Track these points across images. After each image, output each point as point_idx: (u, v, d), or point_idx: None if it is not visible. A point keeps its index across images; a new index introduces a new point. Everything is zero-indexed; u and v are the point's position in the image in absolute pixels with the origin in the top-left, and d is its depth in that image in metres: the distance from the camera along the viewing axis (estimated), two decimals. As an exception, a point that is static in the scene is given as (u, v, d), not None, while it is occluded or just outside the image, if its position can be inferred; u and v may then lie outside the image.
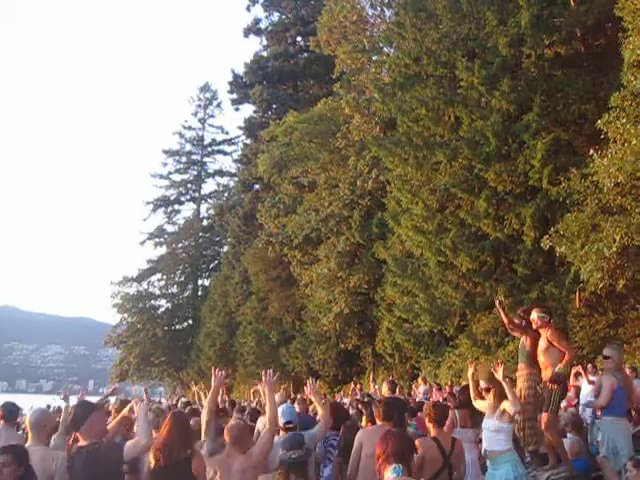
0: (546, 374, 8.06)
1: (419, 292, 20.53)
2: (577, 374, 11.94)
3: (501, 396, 6.89)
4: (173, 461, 5.19)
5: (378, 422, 6.55)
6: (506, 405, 6.76)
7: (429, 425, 6.50)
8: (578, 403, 11.26)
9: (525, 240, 16.35)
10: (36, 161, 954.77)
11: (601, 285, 13.55)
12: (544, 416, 7.91)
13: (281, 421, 6.45)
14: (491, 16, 17.41)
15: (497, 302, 8.93)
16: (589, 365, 13.66)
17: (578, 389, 11.56)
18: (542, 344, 8.06)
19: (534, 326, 8.25)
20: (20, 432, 8.47)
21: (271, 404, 5.97)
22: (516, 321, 8.60)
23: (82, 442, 5.07)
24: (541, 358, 8.09)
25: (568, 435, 9.04)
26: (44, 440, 5.94)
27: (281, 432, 6.51)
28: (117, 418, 6.97)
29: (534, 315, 8.23)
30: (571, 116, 16.72)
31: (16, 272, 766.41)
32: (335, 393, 32.87)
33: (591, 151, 13.51)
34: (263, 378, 6.10)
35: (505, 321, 8.62)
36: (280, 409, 6.59)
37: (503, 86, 16.79)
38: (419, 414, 10.20)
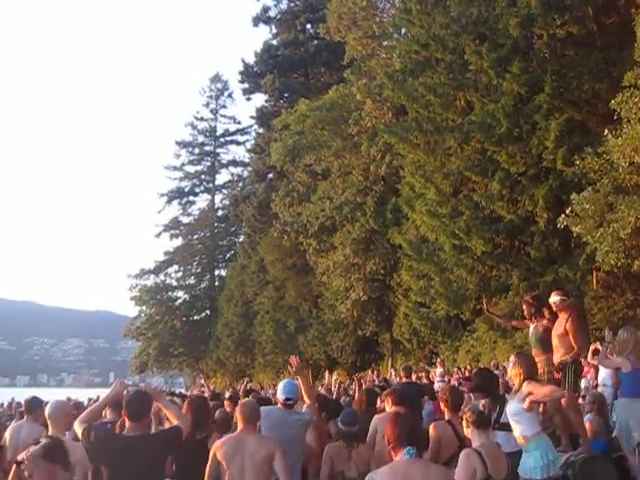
0: (556, 357, 8.00)
1: (435, 276, 20.54)
2: (595, 352, 11.83)
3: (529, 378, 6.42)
4: (189, 441, 5.49)
5: (392, 407, 6.59)
6: (528, 388, 6.26)
7: (444, 409, 6.50)
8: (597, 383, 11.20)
9: (539, 222, 16.27)
10: (49, 157, 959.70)
11: (619, 264, 13.47)
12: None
13: (281, 397, 6.48)
14: (501, -3, 17.27)
15: (485, 309, 8.97)
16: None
17: (597, 368, 11.48)
18: (559, 328, 7.98)
19: (554, 308, 8.15)
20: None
21: (306, 388, 6.53)
22: (514, 322, 8.62)
23: (133, 431, 5.00)
24: (555, 341, 8.01)
25: (587, 415, 9.00)
26: (62, 432, 5.96)
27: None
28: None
29: (555, 298, 8.05)
30: (584, 95, 16.57)
31: (34, 267, 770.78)
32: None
33: (605, 131, 13.39)
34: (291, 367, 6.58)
35: (504, 323, 8.66)
36: (281, 384, 6.64)
37: (514, 68, 16.67)
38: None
